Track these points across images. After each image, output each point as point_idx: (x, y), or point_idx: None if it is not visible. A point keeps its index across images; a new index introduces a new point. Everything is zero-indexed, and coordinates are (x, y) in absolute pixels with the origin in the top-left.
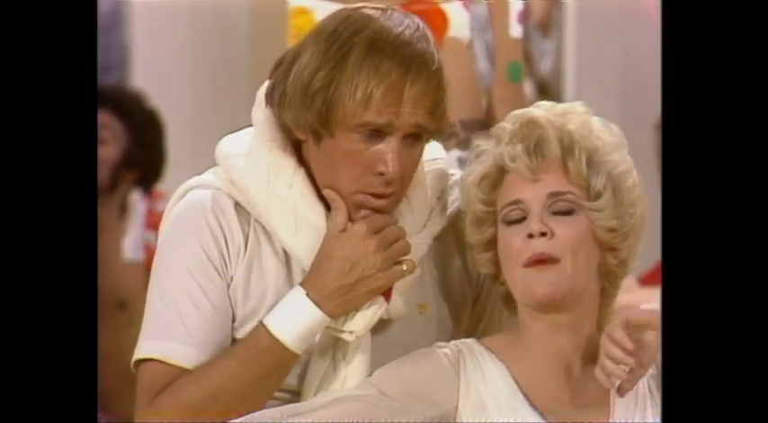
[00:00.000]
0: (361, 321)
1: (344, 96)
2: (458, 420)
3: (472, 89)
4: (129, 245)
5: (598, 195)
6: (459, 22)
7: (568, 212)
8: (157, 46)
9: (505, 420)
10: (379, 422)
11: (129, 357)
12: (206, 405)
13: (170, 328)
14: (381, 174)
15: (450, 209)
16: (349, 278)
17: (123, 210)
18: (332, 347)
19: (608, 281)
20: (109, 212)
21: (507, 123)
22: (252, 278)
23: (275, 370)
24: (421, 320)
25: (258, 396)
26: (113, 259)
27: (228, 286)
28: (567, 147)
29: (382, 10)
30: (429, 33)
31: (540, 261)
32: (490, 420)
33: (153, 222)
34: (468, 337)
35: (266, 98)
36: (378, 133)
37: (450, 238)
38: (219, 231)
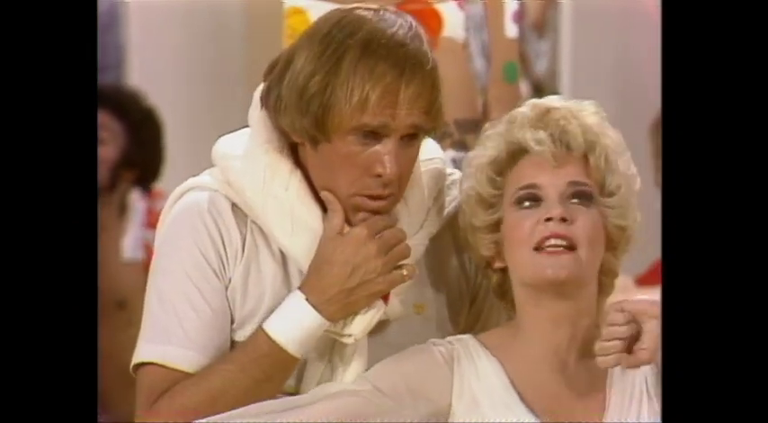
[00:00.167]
0: (360, 324)
1: (340, 100)
2: (451, 417)
3: (467, 89)
4: (129, 244)
5: (612, 193)
6: (454, 23)
7: (586, 204)
8: (153, 46)
9: (498, 418)
10: (374, 418)
11: (129, 357)
12: (206, 409)
13: (169, 331)
14: (379, 175)
15: (448, 209)
16: (349, 282)
17: (122, 209)
18: (329, 349)
19: (603, 281)
20: (108, 212)
21: (525, 109)
22: (249, 280)
23: (275, 374)
24: (418, 321)
25: (258, 400)
26: (113, 259)
27: (226, 288)
28: (590, 140)
29: (375, 11)
30: (422, 32)
31: (557, 244)
32: (483, 417)
33: (152, 221)
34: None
35: (261, 101)
36: (374, 135)
37: (447, 237)
38: (217, 233)
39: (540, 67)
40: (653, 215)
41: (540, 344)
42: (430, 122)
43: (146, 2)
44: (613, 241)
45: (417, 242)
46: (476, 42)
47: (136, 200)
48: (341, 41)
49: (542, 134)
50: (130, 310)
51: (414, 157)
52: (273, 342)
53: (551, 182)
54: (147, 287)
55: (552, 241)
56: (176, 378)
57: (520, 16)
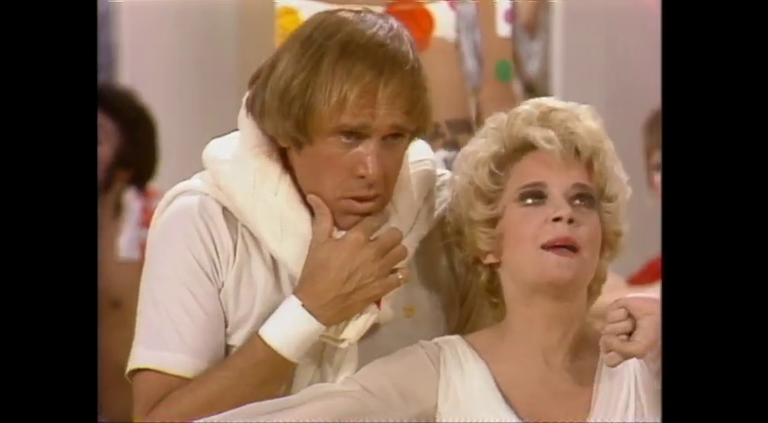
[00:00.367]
0: (353, 329)
1: (319, 101)
2: (437, 418)
3: (458, 89)
4: (124, 243)
5: (610, 199)
6: (445, 23)
7: (588, 206)
8: (145, 46)
9: (481, 419)
10: (362, 418)
11: (123, 356)
12: (203, 415)
13: (164, 336)
14: (362, 176)
15: (438, 210)
16: (346, 287)
17: (118, 209)
18: (320, 353)
19: (593, 285)
20: (103, 212)
21: (528, 107)
22: (242, 285)
23: (272, 379)
24: (408, 323)
25: None
26: (108, 258)
27: (219, 291)
28: (596, 145)
29: (356, 12)
30: (404, 33)
31: (563, 246)
32: (466, 418)
33: (147, 221)
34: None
35: (247, 108)
36: (355, 136)
37: (437, 238)
38: (209, 237)
39: (532, 67)
40: (645, 215)
41: (529, 344)
42: (412, 123)
43: (138, 1)
44: (608, 247)
45: (407, 244)
46: (467, 42)
47: (131, 199)
48: (320, 43)
49: (551, 133)
50: (125, 310)
51: (399, 158)
52: (270, 348)
53: (558, 181)
54: (141, 292)
55: (559, 242)
56: (173, 383)
57: (512, 15)
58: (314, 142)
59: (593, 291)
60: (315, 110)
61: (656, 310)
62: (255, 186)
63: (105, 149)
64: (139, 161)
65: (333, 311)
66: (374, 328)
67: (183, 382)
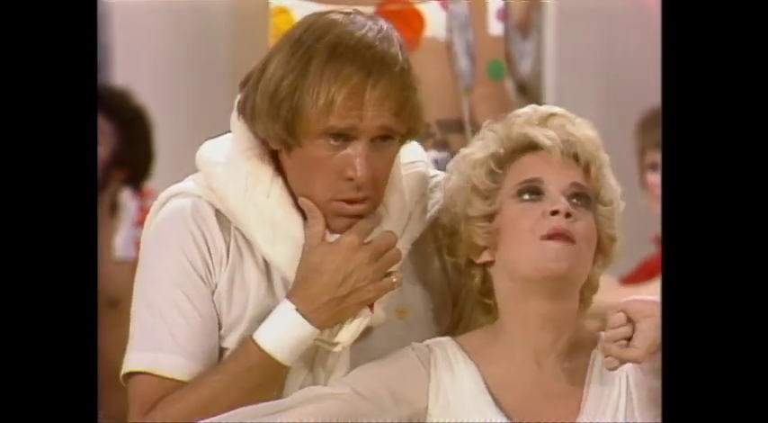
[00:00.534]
0: (347, 333)
1: (307, 104)
2: (428, 420)
3: (449, 89)
4: (121, 243)
5: (605, 203)
6: (436, 22)
7: (585, 206)
8: (138, 45)
9: (471, 421)
10: (353, 419)
11: (120, 356)
12: (197, 419)
13: (158, 338)
14: (350, 179)
15: (431, 212)
16: (341, 291)
17: (114, 208)
18: (312, 356)
19: (585, 294)
20: (100, 211)
21: (527, 110)
22: (234, 287)
23: (266, 383)
24: (400, 325)
25: None
26: (105, 258)
27: (213, 293)
28: (593, 151)
29: (346, 14)
30: (394, 35)
31: (560, 235)
32: (456, 420)
33: (143, 220)
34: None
35: (239, 110)
36: (344, 138)
37: (429, 240)
38: (202, 239)
39: (525, 67)
40: (638, 215)
41: (522, 345)
42: (402, 124)
43: (131, 1)
44: (602, 251)
45: (400, 246)
46: (460, 42)
47: (127, 199)
48: (309, 46)
49: (552, 133)
50: (122, 309)
51: (389, 160)
52: (264, 352)
53: (556, 179)
54: (134, 295)
55: (555, 232)
56: (167, 386)
57: (504, 14)
58: (303, 144)
59: (585, 298)
60: (303, 112)
61: (656, 312)
62: (247, 189)
63: (101, 149)
64: (135, 161)
65: (326, 315)
66: (366, 330)
67: (177, 384)
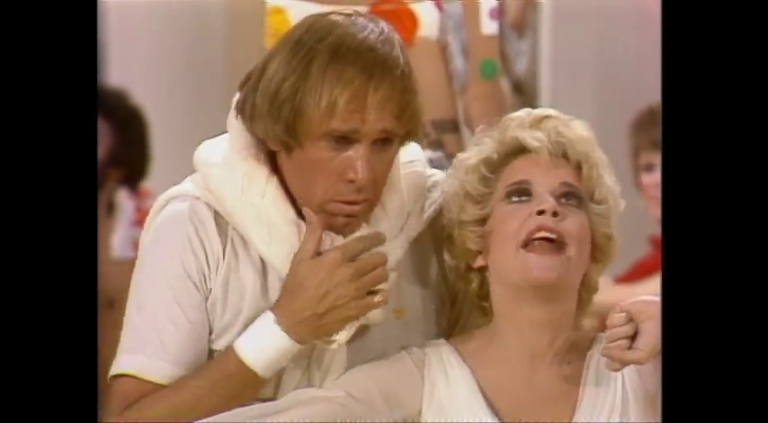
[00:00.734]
0: (344, 331)
1: (309, 105)
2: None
3: (443, 89)
4: (118, 243)
5: (600, 202)
6: (430, 22)
7: (576, 205)
8: (134, 45)
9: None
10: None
11: (115, 355)
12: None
13: (146, 342)
14: (352, 181)
15: (428, 211)
16: (321, 307)
17: (110, 208)
18: (307, 355)
19: (583, 295)
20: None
21: (521, 114)
22: (230, 289)
23: (243, 392)
24: (398, 325)
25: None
26: (102, 257)
27: (207, 299)
28: (585, 151)
29: (347, 15)
30: (395, 37)
31: (546, 240)
32: None
33: (140, 220)
34: (445, 338)
35: (237, 111)
36: (345, 140)
37: (427, 240)
38: (199, 244)
39: (520, 66)
40: (633, 215)
41: (517, 349)
42: (402, 127)
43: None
44: (599, 251)
45: (397, 246)
46: (456, 41)
47: (123, 199)
48: (311, 47)
49: (541, 134)
50: (119, 309)
51: (389, 162)
52: (242, 362)
53: (544, 180)
54: (129, 297)
55: (542, 234)
56: (148, 389)
57: (498, 13)
58: (303, 146)
59: (584, 299)
60: (305, 114)
61: (658, 312)
62: (243, 190)
63: (98, 149)
64: (131, 161)
65: (306, 330)
66: (364, 329)
67: (158, 388)
